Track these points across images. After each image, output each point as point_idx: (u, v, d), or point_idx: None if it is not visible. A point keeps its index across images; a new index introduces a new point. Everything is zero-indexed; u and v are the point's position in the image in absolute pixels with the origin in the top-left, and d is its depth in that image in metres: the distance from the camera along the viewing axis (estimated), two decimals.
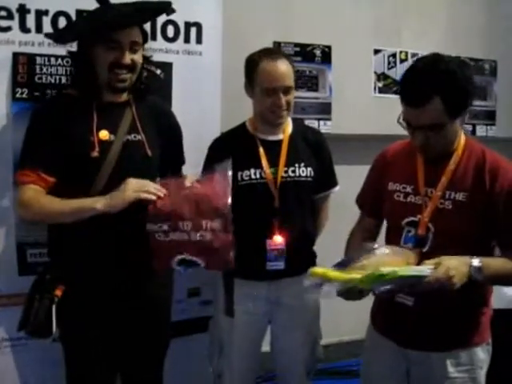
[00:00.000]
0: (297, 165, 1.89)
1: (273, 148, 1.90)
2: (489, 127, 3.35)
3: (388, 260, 1.42)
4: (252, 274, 1.86)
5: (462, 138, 1.56)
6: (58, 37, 1.81)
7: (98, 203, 1.57)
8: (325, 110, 2.87)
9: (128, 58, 1.65)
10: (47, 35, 1.81)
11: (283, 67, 1.83)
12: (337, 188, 2.05)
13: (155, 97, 1.88)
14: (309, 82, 2.83)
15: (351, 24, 2.87)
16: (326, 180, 2.00)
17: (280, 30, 2.75)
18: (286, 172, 1.88)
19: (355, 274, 1.38)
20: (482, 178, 1.51)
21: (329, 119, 2.87)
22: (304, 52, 2.81)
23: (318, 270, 1.44)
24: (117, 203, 1.57)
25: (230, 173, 1.66)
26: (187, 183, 1.67)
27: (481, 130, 3.33)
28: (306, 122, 2.78)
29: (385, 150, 1.73)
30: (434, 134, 1.45)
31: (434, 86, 1.40)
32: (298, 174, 1.89)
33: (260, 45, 2.26)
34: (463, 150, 1.55)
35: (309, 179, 1.91)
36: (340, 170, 2.09)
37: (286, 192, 1.87)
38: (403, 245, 1.56)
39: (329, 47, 2.86)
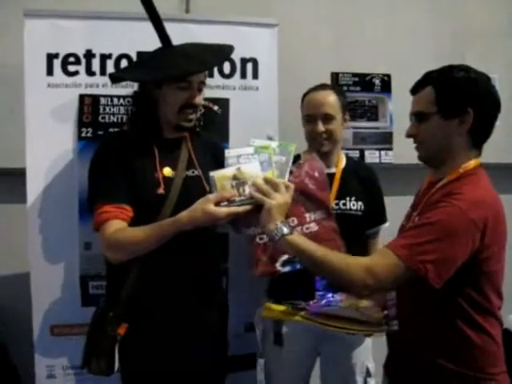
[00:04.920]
0: (348, 198, 1.90)
1: None
2: None
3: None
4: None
5: (468, 166, 1.42)
6: (126, 77, 1.82)
7: (182, 217, 1.52)
8: (386, 139, 2.78)
9: (198, 98, 1.68)
10: (111, 76, 1.77)
11: (325, 96, 1.89)
12: (386, 225, 2.04)
13: (206, 132, 1.90)
14: (368, 111, 2.78)
15: (411, 50, 2.78)
16: (375, 216, 1.99)
17: (337, 61, 2.72)
18: (337, 204, 1.88)
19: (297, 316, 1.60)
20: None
21: (390, 149, 2.78)
22: (363, 81, 2.77)
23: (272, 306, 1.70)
24: (197, 216, 1.52)
25: (319, 164, 1.68)
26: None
27: None
28: (367, 153, 2.74)
29: None
30: (421, 127, 1.44)
31: (431, 76, 1.45)
32: (348, 207, 1.89)
33: (317, 76, 2.27)
34: (458, 176, 1.41)
35: (359, 213, 1.91)
36: (402, 201, 2.01)
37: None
38: None
39: (388, 76, 2.79)
